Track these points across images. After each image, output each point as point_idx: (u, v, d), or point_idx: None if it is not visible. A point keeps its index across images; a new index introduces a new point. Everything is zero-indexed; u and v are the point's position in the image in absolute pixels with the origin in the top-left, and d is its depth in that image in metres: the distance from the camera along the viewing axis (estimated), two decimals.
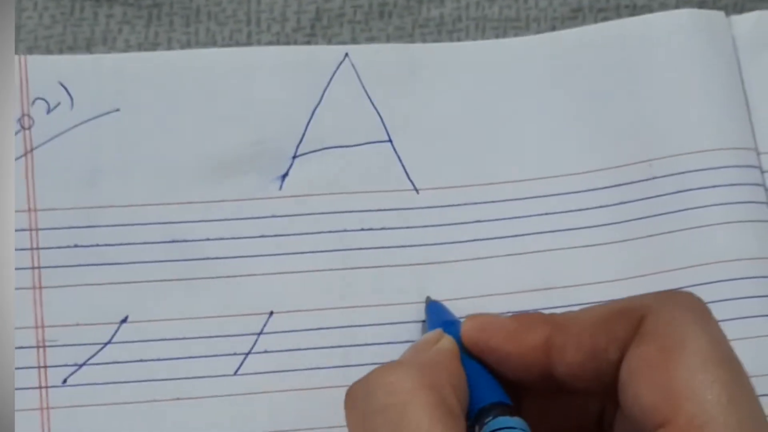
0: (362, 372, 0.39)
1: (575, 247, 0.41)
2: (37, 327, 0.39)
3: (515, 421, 0.33)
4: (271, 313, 0.40)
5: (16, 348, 0.38)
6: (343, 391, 0.38)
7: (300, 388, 0.39)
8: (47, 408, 0.38)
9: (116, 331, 0.39)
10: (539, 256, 0.41)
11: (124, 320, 0.39)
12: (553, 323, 0.34)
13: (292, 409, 0.39)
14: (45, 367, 0.38)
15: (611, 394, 0.32)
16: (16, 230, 0.39)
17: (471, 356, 0.35)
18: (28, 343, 0.39)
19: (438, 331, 0.36)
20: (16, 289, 0.39)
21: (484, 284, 0.41)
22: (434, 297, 0.40)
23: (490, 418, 0.33)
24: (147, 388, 0.39)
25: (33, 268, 0.39)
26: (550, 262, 0.41)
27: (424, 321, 0.40)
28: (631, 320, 0.32)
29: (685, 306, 0.32)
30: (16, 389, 0.38)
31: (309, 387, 0.39)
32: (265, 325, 0.40)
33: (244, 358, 0.39)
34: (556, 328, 0.33)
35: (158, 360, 0.39)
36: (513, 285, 0.41)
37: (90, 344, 0.39)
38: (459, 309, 0.40)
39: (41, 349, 0.39)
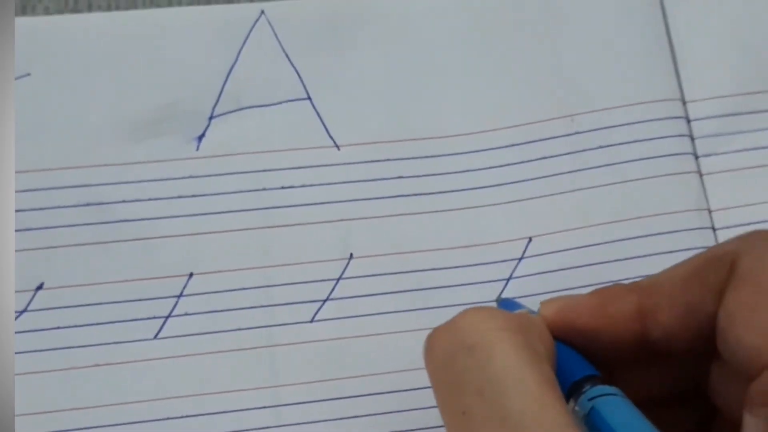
0: (283, 331, 0.37)
1: (499, 204, 0.39)
2: None
3: (612, 388, 0.31)
4: (191, 274, 0.38)
5: None
6: (264, 352, 0.37)
7: (222, 350, 0.37)
8: None
9: (31, 299, 0.37)
10: (463, 213, 0.39)
11: (40, 287, 0.37)
12: (640, 289, 0.32)
13: (215, 372, 0.37)
14: None
15: (709, 350, 0.30)
16: None
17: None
18: None
19: (523, 311, 0.33)
20: None
21: (407, 240, 0.39)
22: (358, 254, 0.38)
23: (587, 387, 0.31)
24: (64, 355, 0.36)
25: None
26: (474, 219, 0.39)
27: None
28: (722, 267, 0.30)
29: None
30: None
31: (232, 348, 0.37)
32: (185, 287, 0.37)
33: (164, 322, 0.37)
34: (645, 293, 0.31)
35: (75, 327, 0.37)
36: (437, 242, 0.39)
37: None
38: (383, 265, 0.38)
39: None
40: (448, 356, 0.30)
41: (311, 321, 0.37)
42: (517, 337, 0.29)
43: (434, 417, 0.36)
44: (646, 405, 0.31)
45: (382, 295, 0.38)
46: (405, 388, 0.37)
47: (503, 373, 0.28)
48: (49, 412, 0.36)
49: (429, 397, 0.36)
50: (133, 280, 0.37)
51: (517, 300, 0.36)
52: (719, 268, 0.30)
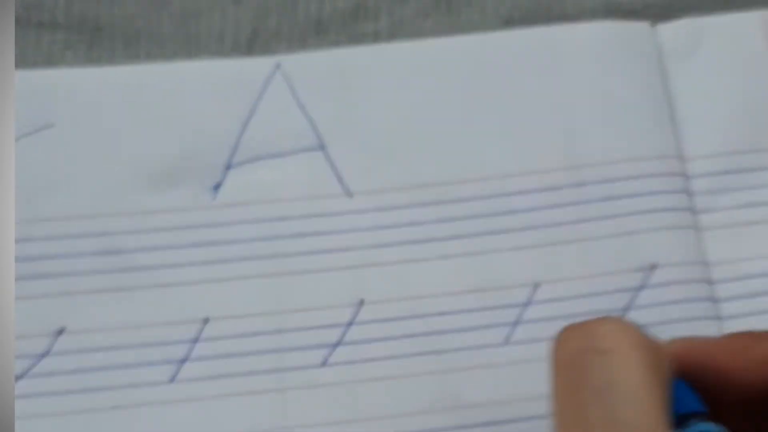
0: (295, 375, 0.37)
1: (506, 250, 0.39)
2: None
3: (717, 426, 0.30)
4: (207, 319, 0.38)
5: None
6: (276, 395, 0.37)
7: (236, 393, 0.37)
8: None
9: (53, 343, 0.37)
10: (471, 259, 0.39)
11: (61, 332, 0.37)
12: None
13: (229, 414, 0.37)
14: None
15: None
16: None
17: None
18: None
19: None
20: None
21: (416, 286, 0.39)
22: (369, 300, 0.38)
23: (692, 422, 0.31)
24: (85, 398, 0.37)
25: None
26: (482, 264, 0.39)
27: None
28: None
29: None
30: None
31: (245, 392, 0.37)
32: (200, 333, 0.37)
33: (180, 366, 0.37)
34: None
35: (95, 370, 0.37)
36: (446, 286, 0.39)
37: (28, 356, 0.37)
38: (393, 310, 0.38)
39: None
40: (578, 355, 0.30)
41: (322, 365, 0.37)
42: (648, 357, 0.29)
43: None
44: None
45: (392, 339, 0.38)
46: (414, 431, 0.37)
47: (626, 383, 0.28)
48: None
49: None
50: (150, 326, 0.37)
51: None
52: None
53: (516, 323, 0.38)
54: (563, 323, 0.37)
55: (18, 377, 0.36)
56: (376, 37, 0.43)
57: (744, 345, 0.31)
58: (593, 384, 0.29)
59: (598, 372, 0.29)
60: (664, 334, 0.37)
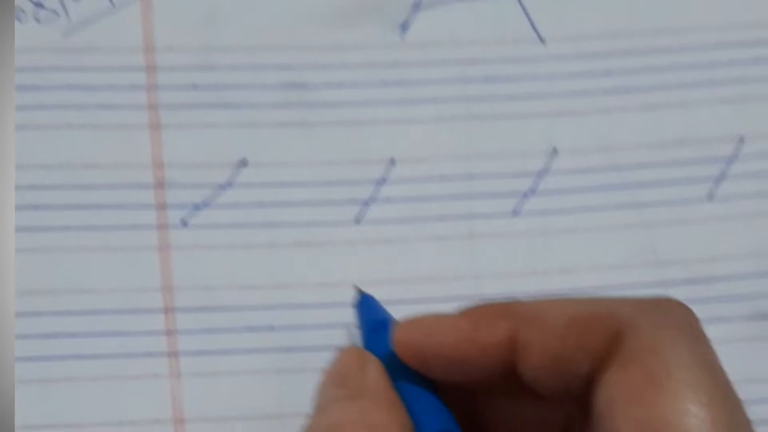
0: (486, 222, 0.35)
1: (709, 103, 0.37)
2: (155, 166, 0.35)
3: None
4: (393, 160, 0.35)
5: (137, 186, 0.34)
6: (466, 242, 0.35)
7: (424, 238, 0.35)
8: (167, 247, 0.34)
9: (235, 174, 0.35)
10: (671, 110, 0.37)
11: (243, 163, 0.35)
12: (517, 316, 0.27)
13: (415, 259, 0.35)
14: (164, 207, 0.34)
15: (581, 407, 0.26)
16: (134, 69, 0.35)
17: (402, 368, 0.28)
18: (147, 181, 0.34)
19: (358, 352, 0.30)
20: (135, 129, 0.35)
21: (615, 136, 0.36)
22: (560, 148, 0.36)
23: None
24: (266, 232, 0.35)
25: (150, 107, 0.35)
26: (683, 117, 0.37)
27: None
28: (605, 330, 0.25)
29: (671, 322, 0.25)
30: (136, 228, 0.34)
31: (433, 237, 0.35)
32: (386, 173, 0.35)
33: (366, 207, 0.35)
34: (522, 322, 0.27)
35: (277, 204, 0.35)
36: (645, 138, 0.36)
37: (209, 186, 0.35)
38: (590, 161, 0.36)
39: (160, 189, 0.34)
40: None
41: (514, 215, 0.35)
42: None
43: None
44: None
45: (587, 191, 0.36)
46: (606, 285, 0.35)
47: None
48: (252, 288, 0.34)
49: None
50: (334, 163, 0.35)
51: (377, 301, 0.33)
52: (601, 331, 0.26)
53: (720, 178, 0.36)
54: None
55: (198, 207, 0.34)
56: None
57: (474, 327, 0.27)
58: None
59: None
60: None
